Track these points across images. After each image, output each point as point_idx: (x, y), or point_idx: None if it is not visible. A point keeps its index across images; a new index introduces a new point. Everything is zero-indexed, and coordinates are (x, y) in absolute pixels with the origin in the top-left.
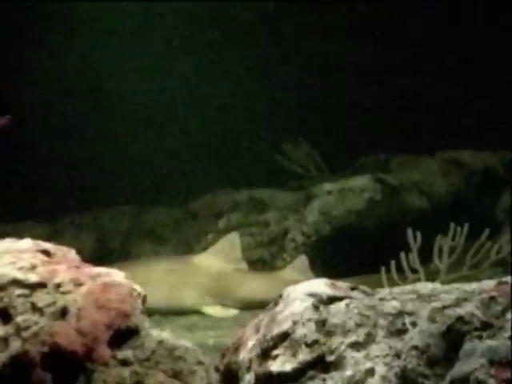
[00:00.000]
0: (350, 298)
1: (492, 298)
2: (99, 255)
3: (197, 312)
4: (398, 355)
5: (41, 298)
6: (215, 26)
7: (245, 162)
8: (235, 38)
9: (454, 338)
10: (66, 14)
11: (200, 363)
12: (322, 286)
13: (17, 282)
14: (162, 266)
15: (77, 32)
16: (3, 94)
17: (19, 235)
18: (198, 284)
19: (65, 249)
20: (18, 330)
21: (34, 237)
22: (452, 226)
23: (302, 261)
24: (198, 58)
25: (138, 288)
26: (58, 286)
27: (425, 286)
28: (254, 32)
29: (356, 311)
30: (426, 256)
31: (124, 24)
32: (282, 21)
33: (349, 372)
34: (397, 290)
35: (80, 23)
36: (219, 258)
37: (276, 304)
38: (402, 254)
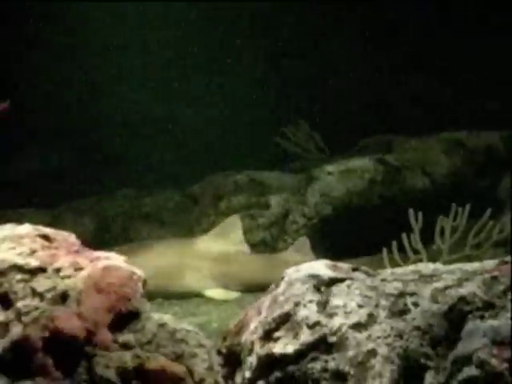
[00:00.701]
0: (352, 279)
1: (494, 278)
2: (100, 239)
3: (199, 295)
4: (400, 336)
5: (41, 283)
6: (213, 18)
7: (245, 144)
8: (234, 28)
9: (456, 318)
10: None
11: (201, 346)
12: (323, 267)
13: (17, 267)
14: (163, 249)
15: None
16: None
17: (20, 221)
18: (199, 267)
19: (65, 233)
20: (19, 315)
21: (35, 222)
22: (453, 206)
23: (304, 242)
24: (196, 47)
25: (139, 271)
26: (58, 270)
27: (426, 267)
28: (253, 23)
29: (358, 292)
30: (427, 236)
31: (125, 23)
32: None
33: (351, 353)
34: (398, 270)
35: (81, 23)
36: (221, 241)
37: (277, 286)
38: (404, 235)
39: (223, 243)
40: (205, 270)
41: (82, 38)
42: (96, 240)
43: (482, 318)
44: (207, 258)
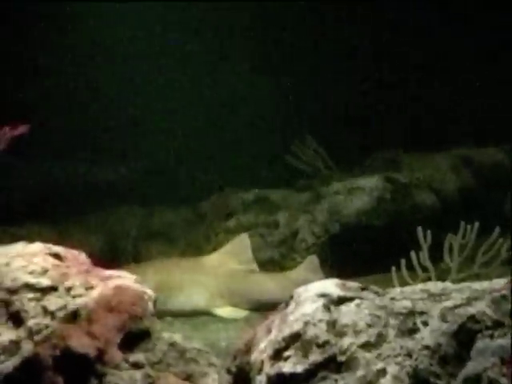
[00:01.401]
0: (361, 298)
1: (503, 297)
2: (109, 257)
3: (208, 313)
4: (409, 355)
5: (52, 302)
6: (220, 25)
7: (253, 162)
8: (241, 38)
9: (465, 337)
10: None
11: (212, 365)
12: (332, 286)
13: (28, 286)
14: (172, 267)
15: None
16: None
17: (30, 237)
18: (208, 285)
19: (75, 252)
20: (30, 334)
21: (44, 239)
22: (462, 224)
23: (313, 261)
24: (203, 59)
25: (149, 291)
26: (69, 289)
27: (435, 285)
28: (257, 32)
29: (367, 311)
30: (436, 254)
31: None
32: (289, 19)
33: (360, 372)
34: (407, 289)
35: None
36: (230, 259)
37: (287, 305)
38: (413, 253)
39: (232, 261)
40: (214, 289)
41: (106, 47)
42: (104, 257)
43: (491, 336)
44: (216, 276)
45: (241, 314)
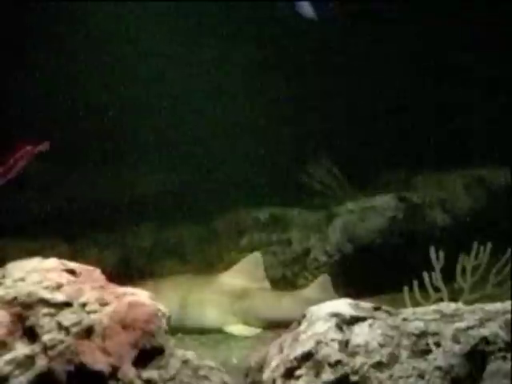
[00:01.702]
0: (373, 318)
1: None
2: (122, 273)
3: (220, 331)
4: (421, 376)
5: (67, 317)
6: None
7: (268, 180)
8: (259, 52)
9: (477, 358)
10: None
11: (224, 383)
12: (345, 306)
13: (43, 301)
14: (186, 284)
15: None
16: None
17: (44, 253)
18: (221, 303)
19: (90, 268)
20: (45, 349)
21: (59, 254)
22: (475, 244)
23: (325, 280)
24: (218, 77)
25: (163, 308)
26: (84, 305)
27: (448, 306)
28: (274, 46)
29: (379, 331)
30: (449, 275)
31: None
32: (304, 38)
33: None
34: (420, 309)
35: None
36: (242, 277)
37: (299, 324)
38: (425, 273)
39: (245, 279)
40: (226, 306)
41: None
42: (118, 273)
43: (503, 358)
44: (228, 293)
45: (253, 331)
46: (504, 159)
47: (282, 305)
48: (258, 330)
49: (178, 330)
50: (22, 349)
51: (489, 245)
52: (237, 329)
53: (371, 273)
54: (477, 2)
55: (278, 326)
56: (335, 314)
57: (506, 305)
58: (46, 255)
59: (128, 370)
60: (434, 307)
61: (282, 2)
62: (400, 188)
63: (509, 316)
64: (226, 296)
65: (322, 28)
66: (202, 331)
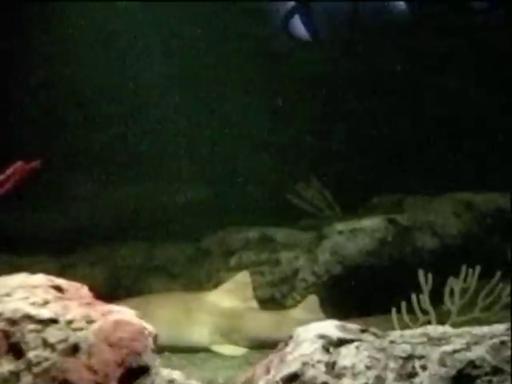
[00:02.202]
0: (360, 340)
1: (503, 343)
2: (111, 290)
3: (206, 350)
4: None
5: (52, 334)
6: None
7: (257, 200)
8: (253, 74)
9: (464, 382)
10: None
11: None
12: (332, 327)
13: (29, 318)
14: (173, 302)
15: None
16: None
17: (32, 269)
18: (208, 322)
19: (77, 285)
20: (29, 366)
21: (47, 270)
22: (463, 267)
23: (313, 301)
24: (208, 99)
25: (150, 327)
26: (70, 322)
27: (435, 329)
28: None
29: (366, 354)
30: (437, 297)
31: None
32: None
33: None
34: (407, 332)
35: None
36: (230, 297)
37: (286, 344)
38: (413, 296)
39: (232, 299)
40: (213, 325)
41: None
42: (106, 291)
43: (489, 382)
44: (216, 313)
45: (240, 351)
46: (492, 184)
47: (269, 325)
48: (245, 350)
49: (165, 348)
50: (6, 365)
51: (477, 268)
52: (224, 348)
53: (360, 294)
54: None
55: (265, 346)
56: (322, 336)
57: (494, 328)
58: (33, 271)
59: None
60: (421, 330)
61: (274, 22)
62: (389, 210)
63: (496, 340)
64: (213, 315)
65: (315, 48)
66: (189, 350)
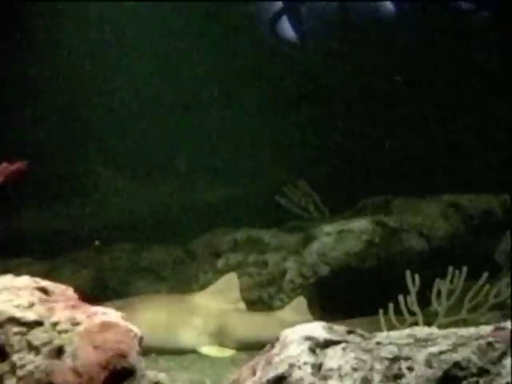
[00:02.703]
0: (347, 341)
1: (489, 344)
2: (97, 292)
3: (194, 351)
4: None
5: (37, 337)
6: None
7: (245, 202)
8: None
9: (450, 383)
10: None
11: None
12: (319, 329)
13: (14, 320)
14: (160, 304)
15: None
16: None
17: (18, 271)
18: (195, 323)
19: (63, 287)
20: (14, 368)
21: (33, 273)
22: (450, 269)
23: (300, 302)
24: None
25: (135, 329)
26: (55, 324)
27: (422, 331)
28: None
29: (353, 355)
30: (424, 298)
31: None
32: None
33: None
34: (394, 333)
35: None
36: (217, 298)
37: (273, 346)
38: (401, 297)
39: (220, 300)
40: (200, 327)
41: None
42: (93, 292)
43: (476, 383)
44: (203, 314)
45: (227, 353)
46: (480, 186)
47: (257, 326)
48: (233, 352)
49: (152, 350)
50: None
51: (464, 269)
52: (211, 350)
53: (347, 296)
54: None
55: (252, 347)
56: (309, 337)
57: (480, 329)
58: (19, 273)
59: None
60: (407, 331)
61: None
62: (377, 212)
63: (482, 341)
64: (200, 317)
65: (303, 51)
66: (176, 352)
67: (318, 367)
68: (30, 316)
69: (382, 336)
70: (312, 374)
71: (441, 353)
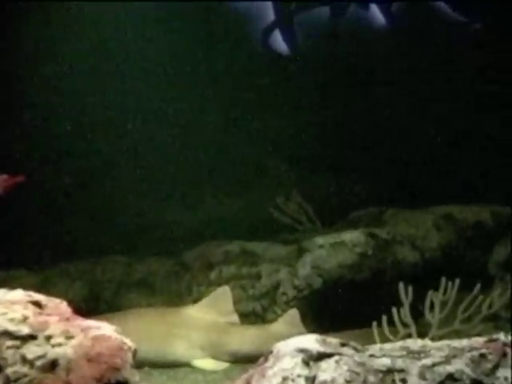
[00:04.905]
0: (340, 354)
1: (482, 356)
2: (91, 305)
3: (187, 364)
4: None
5: (31, 350)
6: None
7: (238, 213)
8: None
9: None
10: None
11: None
12: (312, 341)
13: (8, 334)
14: (153, 317)
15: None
16: None
17: (11, 283)
18: (188, 336)
19: (56, 300)
20: (8, 382)
21: (26, 286)
22: (443, 280)
23: (293, 315)
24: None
25: (129, 342)
26: (49, 338)
27: (415, 343)
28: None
29: (346, 368)
30: (417, 310)
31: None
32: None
33: None
34: (387, 346)
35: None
36: (210, 311)
37: (266, 359)
38: (394, 309)
39: (213, 313)
40: (194, 340)
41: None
42: (86, 305)
43: None
44: (197, 327)
45: (220, 366)
46: (472, 197)
47: (250, 339)
48: (227, 365)
49: (146, 363)
50: None
51: (457, 281)
52: (205, 363)
53: (340, 308)
54: None
55: (246, 360)
56: (302, 350)
57: (473, 341)
58: (12, 286)
59: None
60: (401, 344)
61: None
62: (370, 224)
63: (475, 353)
64: (194, 329)
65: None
66: (170, 365)
67: (311, 380)
68: (24, 330)
69: (375, 348)
70: None
71: (434, 365)
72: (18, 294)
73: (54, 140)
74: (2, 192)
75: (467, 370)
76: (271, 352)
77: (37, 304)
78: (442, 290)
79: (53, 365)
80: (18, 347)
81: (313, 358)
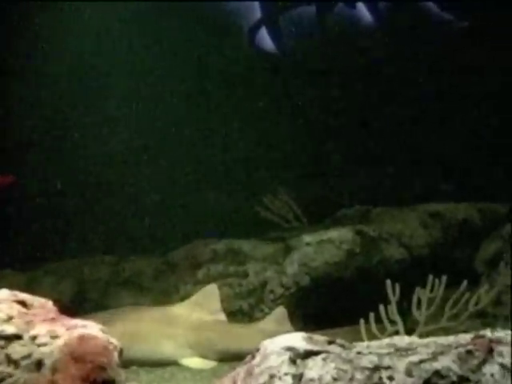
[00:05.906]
0: (327, 351)
1: (469, 352)
2: (78, 304)
3: (175, 363)
4: None
5: (16, 350)
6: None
7: (224, 212)
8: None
9: None
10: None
11: None
12: (299, 339)
13: None
14: (140, 316)
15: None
16: None
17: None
18: (176, 335)
19: (42, 300)
20: None
21: (12, 285)
22: (430, 277)
23: (281, 312)
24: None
25: (115, 341)
26: (34, 337)
27: (402, 340)
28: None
29: (333, 365)
30: (404, 307)
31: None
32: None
33: None
34: (374, 343)
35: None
36: (198, 309)
37: (253, 357)
38: (381, 306)
39: (200, 312)
40: (181, 339)
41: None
42: (74, 305)
43: None
44: (184, 326)
45: (208, 364)
46: (459, 194)
47: (237, 337)
48: (214, 363)
49: (132, 362)
50: None
51: (444, 278)
52: (192, 361)
53: (328, 305)
54: None
55: (233, 358)
56: (289, 348)
57: (459, 338)
58: None
59: None
60: (387, 341)
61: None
62: (357, 221)
63: (462, 349)
64: (181, 328)
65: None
66: (157, 363)
67: (298, 378)
68: (9, 329)
69: (362, 346)
70: None
71: (421, 361)
72: (3, 293)
73: (40, 141)
74: None
75: (454, 367)
76: (258, 350)
77: (22, 303)
78: (429, 287)
79: (38, 365)
80: (2, 347)
81: (300, 356)
